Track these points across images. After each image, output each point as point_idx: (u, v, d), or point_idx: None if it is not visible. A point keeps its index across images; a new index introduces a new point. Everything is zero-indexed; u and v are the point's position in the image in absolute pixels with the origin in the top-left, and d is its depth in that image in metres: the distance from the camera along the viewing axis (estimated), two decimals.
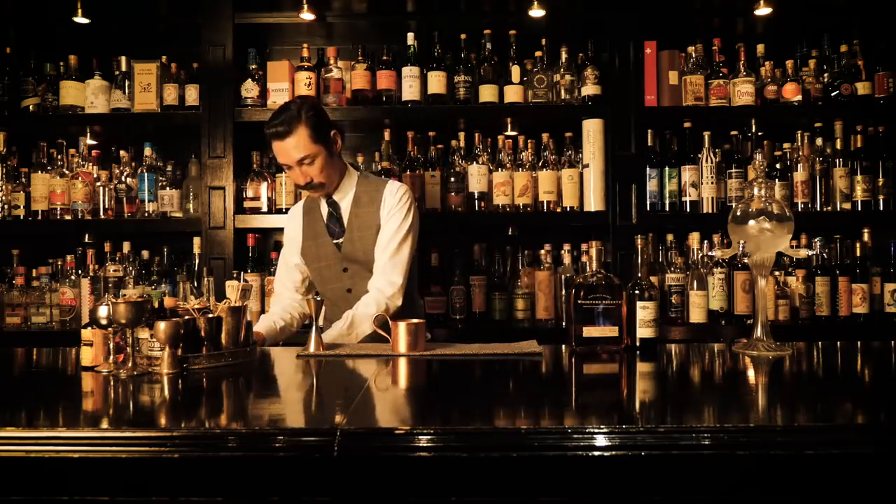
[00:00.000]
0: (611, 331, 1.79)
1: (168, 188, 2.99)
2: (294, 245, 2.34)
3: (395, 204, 2.22)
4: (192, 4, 2.95)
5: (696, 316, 2.83)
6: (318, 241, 2.27)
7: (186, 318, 1.62)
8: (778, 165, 2.99)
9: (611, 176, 2.92)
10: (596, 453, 1.05)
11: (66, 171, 3.00)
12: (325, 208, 2.28)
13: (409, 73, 2.93)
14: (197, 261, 2.89)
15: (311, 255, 2.28)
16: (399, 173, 2.95)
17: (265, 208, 2.96)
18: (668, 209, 2.94)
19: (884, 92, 2.94)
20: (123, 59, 3.02)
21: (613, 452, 1.05)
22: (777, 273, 2.90)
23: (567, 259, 2.96)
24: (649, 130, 2.97)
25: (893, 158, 2.97)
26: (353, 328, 2.11)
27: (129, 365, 1.56)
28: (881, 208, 2.94)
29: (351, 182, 2.27)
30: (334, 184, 2.23)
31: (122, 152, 3.03)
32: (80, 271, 2.96)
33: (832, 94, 2.97)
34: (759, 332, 1.80)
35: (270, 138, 2.13)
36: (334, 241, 2.26)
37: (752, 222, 1.79)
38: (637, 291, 1.83)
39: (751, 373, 1.63)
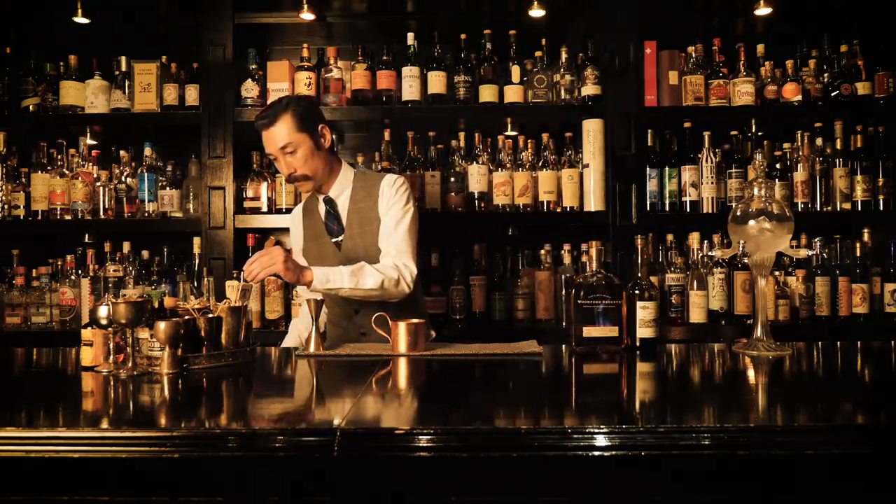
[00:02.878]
0: (611, 331, 1.79)
1: (168, 188, 2.99)
2: (298, 247, 2.35)
3: (394, 195, 2.20)
4: (192, 4, 2.95)
5: (696, 316, 2.83)
6: (319, 241, 2.27)
7: (186, 318, 1.62)
8: (778, 165, 2.99)
9: (611, 176, 2.92)
10: (596, 453, 1.05)
11: (66, 171, 3.00)
12: (322, 207, 2.28)
13: (409, 73, 2.93)
14: (197, 261, 2.89)
15: (313, 255, 2.26)
16: (399, 173, 2.95)
17: (265, 208, 2.96)
18: (668, 209, 2.94)
19: (884, 92, 2.93)
20: (123, 59, 3.02)
21: (613, 452, 1.05)
22: (777, 273, 2.90)
23: (567, 259, 2.96)
24: (649, 130, 2.97)
25: (893, 158, 2.97)
26: (359, 274, 2.03)
27: (129, 365, 1.56)
28: (881, 208, 2.94)
29: (347, 179, 2.26)
30: (321, 177, 2.21)
31: (122, 152, 3.03)
32: (80, 271, 2.96)
33: (832, 94, 2.96)
34: (759, 332, 1.80)
35: (258, 129, 2.15)
36: (334, 240, 2.25)
37: (752, 222, 1.79)
38: (637, 291, 1.83)
39: (751, 373, 1.63)
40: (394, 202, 2.20)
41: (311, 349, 1.87)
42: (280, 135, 2.11)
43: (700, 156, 2.93)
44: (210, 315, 1.67)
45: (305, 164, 2.14)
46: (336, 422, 1.13)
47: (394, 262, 2.12)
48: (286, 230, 3.17)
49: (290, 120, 2.11)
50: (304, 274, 2.00)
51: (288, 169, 2.15)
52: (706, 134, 2.91)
